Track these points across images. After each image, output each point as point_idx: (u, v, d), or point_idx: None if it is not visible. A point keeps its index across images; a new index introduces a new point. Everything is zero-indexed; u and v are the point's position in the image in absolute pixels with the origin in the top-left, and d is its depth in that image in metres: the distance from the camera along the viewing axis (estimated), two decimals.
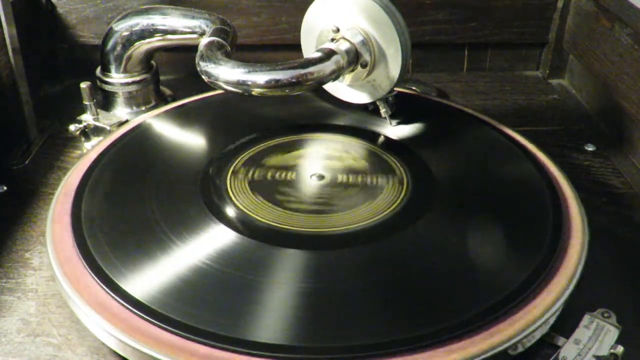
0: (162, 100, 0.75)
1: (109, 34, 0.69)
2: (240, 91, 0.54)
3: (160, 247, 0.47)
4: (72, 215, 0.51)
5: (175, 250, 0.47)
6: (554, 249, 0.47)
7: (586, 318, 0.44)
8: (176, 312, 0.42)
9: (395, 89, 0.63)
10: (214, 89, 0.58)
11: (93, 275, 0.45)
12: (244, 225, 0.50)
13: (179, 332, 0.40)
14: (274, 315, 0.42)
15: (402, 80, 0.62)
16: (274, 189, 0.55)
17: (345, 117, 0.66)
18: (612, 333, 0.43)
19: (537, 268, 0.45)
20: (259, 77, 0.53)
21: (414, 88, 0.77)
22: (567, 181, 0.56)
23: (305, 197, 0.54)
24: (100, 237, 0.48)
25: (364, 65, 0.61)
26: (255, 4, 0.82)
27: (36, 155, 0.67)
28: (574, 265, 0.46)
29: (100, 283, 0.44)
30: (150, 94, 0.73)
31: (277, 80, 0.53)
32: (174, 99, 0.74)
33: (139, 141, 0.62)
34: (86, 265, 0.46)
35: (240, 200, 0.53)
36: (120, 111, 0.72)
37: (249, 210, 0.52)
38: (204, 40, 0.58)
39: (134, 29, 0.68)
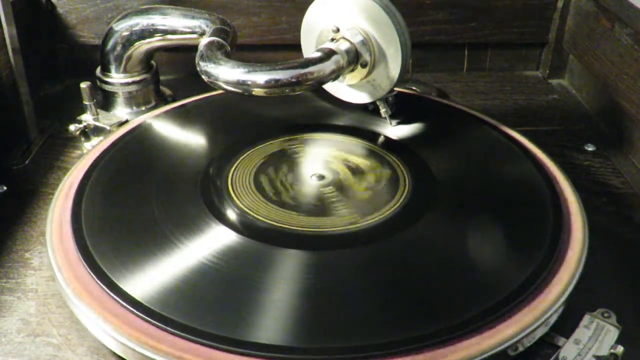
0: (162, 100, 0.75)
1: (109, 34, 0.69)
2: (240, 91, 0.54)
3: (160, 248, 0.47)
4: (72, 215, 0.51)
5: (175, 250, 0.47)
6: (554, 249, 0.47)
7: (586, 318, 0.44)
8: (176, 313, 0.42)
9: (395, 89, 0.63)
10: (214, 89, 0.58)
11: (93, 275, 0.45)
12: (244, 225, 0.50)
13: (178, 332, 0.40)
14: (274, 315, 0.42)
15: (402, 80, 0.62)
16: (274, 189, 0.55)
17: (345, 117, 0.66)
18: (612, 333, 0.43)
19: (537, 268, 0.45)
20: (259, 77, 0.53)
21: (414, 88, 0.77)
22: (567, 181, 0.56)
23: (305, 197, 0.54)
24: (100, 237, 0.48)
25: (364, 65, 0.61)
26: (255, 4, 0.82)
27: (36, 155, 0.67)
28: (574, 265, 0.46)
29: (100, 283, 0.44)
30: (150, 94, 0.73)
31: (277, 80, 0.53)
32: (174, 99, 0.74)
33: (139, 141, 0.62)
34: (86, 266, 0.46)
35: (240, 200, 0.53)
36: (120, 111, 0.72)
37: (249, 211, 0.52)
38: (204, 40, 0.58)
39: (134, 29, 0.68)
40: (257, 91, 0.53)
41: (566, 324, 0.44)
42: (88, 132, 0.66)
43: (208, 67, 0.54)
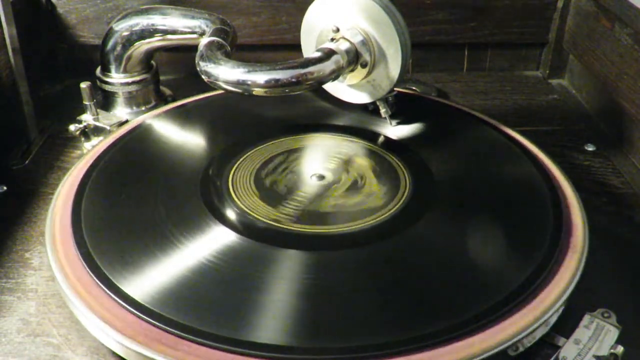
0: (162, 100, 0.75)
1: (109, 34, 0.69)
2: (240, 91, 0.54)
3: (160, 248, 0.47)
4: (72, 215, 0.51)
5: (175, 250, 0.47)
6: (554, 249, 0.47)
7: (586, 318, 0.44)
8: (176, 313, 0.42)
9: (395, 89, 0.63)
10: (214, 89, 0.58)
11: (93, 275, 0.45)
12: (244, 225, 0.50)
13: (178, 332, 0.40)
14: (273, 315, 0.42)
15: (402, 80, 0.62)
16: (274, 189, 0.55)
17: (345, 117, 0.66)
18: (612, 333, 0.43)
19: (537, 268, 0.45)
20: (259, 77, 0.53)
21: (414, 88, 0.77)
22: (567, 181, 0.56)
23: (305, 197, 0.54)
24: (100, 237, 0.48)
25: (363, 65, 0.61)
26: (255, 4, 0.82)
27: (36, 155, 0.67)
28: (574, 265, 0.46)
29: (100, 283, 0.44)
30: (150, 94, 0.73)
31: (276, 80, 0.53)
32: (174, 99, 0.74)
33: (139, 141, 0.62)
34: (86, 266, 0.46)
35: (240, 200, 0.53)
36: (120, 111, 0.72)
37: (249, 211, 0.52)
38: (204, 40, 0.58)
39: (134, 29, 0.68)
40: (257, 91, 0.53)
41: (566, 324, 0.44)
42: (88, 132, 0.65)
43: (208, 67, 0.54)
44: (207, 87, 0.56)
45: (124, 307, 0.42)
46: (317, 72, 0.56)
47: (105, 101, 0.72)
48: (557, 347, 0.42)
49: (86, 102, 0.64)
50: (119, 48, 0.69)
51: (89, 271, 0.45)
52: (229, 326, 0.41)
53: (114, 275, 0.45)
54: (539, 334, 0.42)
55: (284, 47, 0.84)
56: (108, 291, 0.43)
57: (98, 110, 0.66)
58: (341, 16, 0.61)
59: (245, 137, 0.62)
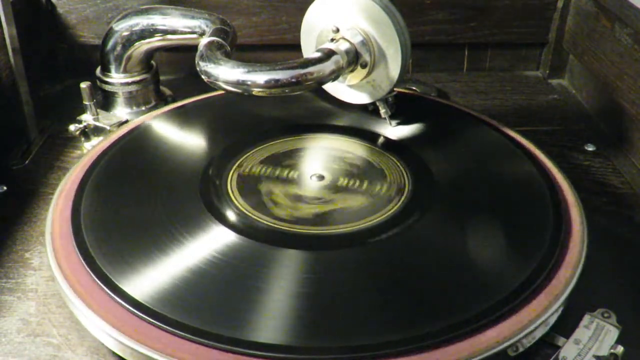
0: (162, 100, 0.75)
1: (109, 34, 0.69)
2: (240, 91, 0.54)
3: (160, 248, 0.47)
4: (71, 215, 0.51)
5: (175, 250, 0.47)
6: (553, 249, 0.47)
7: (586, 318, 0.44)
8: (175, 313, 0.42)
9: (395, 89, 0.63)
10: (214, 89, 0.58)
11: (93, 275, 0.45)
12: (243, 225, 0.50)
13: (178, 332, 0.40)
14: (273, 315, 0.42)
15: (402, 80, 0.62)
16: (274, 189, 0.55)
17: (345, 117, 0.66)
18: (612, 333, 0.43)
19: (537, 268, 0.45)
20: (259, 77, 0.53)
21: (414, 88, 0.77)
22: (567, 181, 0.56)
23: (305, 197, 0.54)
24: (100, 237, 0.48)
25: (363, 66, 0.61)
26: (255, 4, 0.82)
27: (36, 155, 0.67)
28: (574, 265, 0.46)
29: (100, 283, 0.44)
30: (150, 94, 0.73)
31: (276, 80, 0.53)
32: (174, 99, 0.74)
33: (139, 141, 0.62)
34: (86, 266, 0.46)
35: (240, 200, 0.53)
36: (120, 111, 0.72)
37: (248, 211, 0.52)
38: (204, 40, 0.58)
39: (134, 29, 0.68)
40: (257, 91, 0.53)
41: (566, 324, 0.44)
42: (88, 132, 0.66)
43: (208, 67, 0.54)
44: (207, 87, 0.56)
45: (124, 307, 0.42)
46: (317, 73, 0.56)
47: (105, 101, 0.72)
48: (557, 347, 0.42)
49: (86, 102, 0.64)
50: (119, 48, 0.69)
51: (89, 271, 0.45)
52: (229, 326, 0.41)
53: (114, 275, 0.45)
54: (538, 334, 0.42)
55: (284, 47, 0.84)
56: (108, 291, 0.43)
57: (98, 110, 0.66)
58: (341, 16, 0.61)
59: (245, 137, 0.62)
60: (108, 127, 0.65)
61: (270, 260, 0.47)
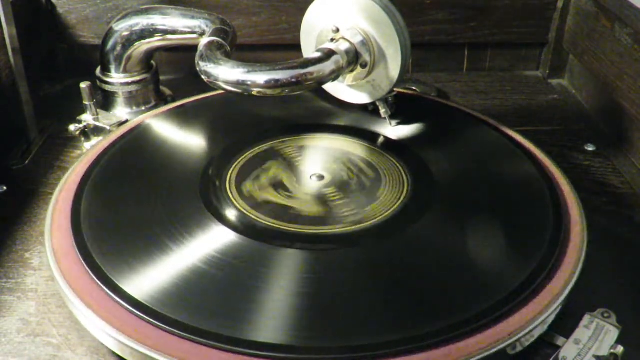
0: (162, 100, 0.75)
1: (109, 34, 0.69)
2: (240, 91, 0.54)
3: (160, 248, 0.47)
4: (71, 215, 0.51)
5: (174, 250, 0.47)
6: (553, 249, 0.47)
7: (586, 318, 0.44)
8: (175, 313, 0.42)
9: (395, 89, 0.63)
10: (214, 89, 0.58)
11: (93, 275, 0.45)
12: (243, 225, 0.50)
13: (178, 332, 0.40)
14: (273, 315, 0.42)
15: (402, 80, 0.62)
16: (274, 189, 0.55)
17: (345, 117, 0.66)
18: (612, 333, 0.43)
19: (537, 268, 0.45)
20: (259, 77, 0.53)
21: (414, 88, 0.77)
22: (567, 181, 0.56)
23: (305, 197, 0.54)
24: (99, 238, 0.48)
25: (363, 66, 0.61)
26: (255, 4, 0.82)
27: (36, 155, 0.67)
28: (573, 265, 0.46)
29: (100, 283, 0.44)
30: (150, 94, 0.73)
31: (276, 80, 0.53)
32: (174, 99, 0.74)
33: (139, 141, 0.62)
34: (85, 266, 0.46)
35: (240, 200, 0.53)
36: (120, 111, 0.72)
37: (248, 211, 0.52)
38: (204, 40, 0.58)
39: (134, 29, 0.68)
40: (257, 91, 0.53)
41: (566, 324, 0.44)
42: (88, 132, 0.66)
43: (208, 67, 0.54)
44: (207, 87, 0.56)
45: (123, 306, 0.42)
46: (317, 73, 0.56)
47: (105, 101, 0.72)
48: (557, 347, 0.42)
49: (86, 102, 0.64)
50: (119, 48, 0.69)
51: (89, 271, 0.45)
52: (229, 326, 0.41)
53: (114, 275, 0.45)
54: (537, 333, 0.42)
55: (284, 47, 0.84)
56: (108, 291, 0.43)
57: (98, 110, 0.66)
58: (341, 16, 0.61)
59: (245, 137, 0.62)
60: (108, 127, 0.65)
61: (270, 260, 0.47)
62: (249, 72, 0.53)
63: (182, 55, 0.84)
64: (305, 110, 0.68)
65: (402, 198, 0.54)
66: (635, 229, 0.57)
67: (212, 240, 0.48)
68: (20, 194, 0.61)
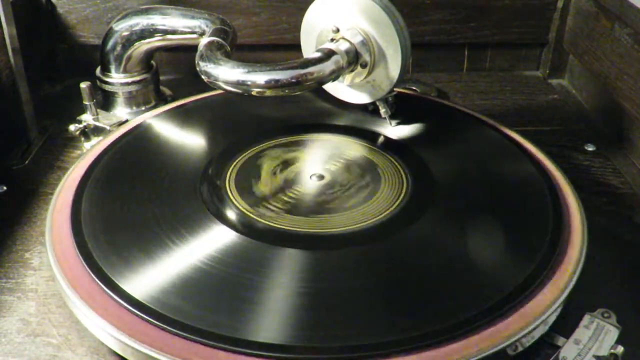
0: (162, 100, 0.75)
1: (109, 34, 0.69)
2: (240, 91, 0.54)
3: (160, 247, 0.47)
4: (71, 215, 0.51)
5: (175, 250, 0.47)
6: (553, 249, 0.47)
7: (586, 318, 0.44)
8: (175, 312, 0.42)
9: (395, 89, 0.63)
10: (214, 89, 0.58)
11: (93, 275, 0.45)
12: (243, 225, 0.50)
13: (178, 332, 0.40)
14: (273, 315, 0.42)
15: (402, 80, 0.62)
16: (274, 189, 0.55)
17: (345, 117, 0.66)
18: (612, 333, 0.43)
19: (537, 268, 0.45)
20: (259, 77, 0.53)
21: (414, 88, 0.77)
22: (567, 181, 0.56)
23: (305, 197, 0.54)
24: (100, 237, 0.48)
25: (363, 66, 0.61)
26: (255, 4, 0.82)
27: (36, 155, 0.67)
28: (573, 265, 0.46)
29: (100, 283, 0.44)
30: (150, 94, 0.73)
31: (276, 81, 0.53)
32: (174, 99, 0.74)
33: (138, 141, 0.62)
34: (86, 266, 0.46)
35: (240, 200, 0.53)
36: (120, 111, 0.72)
37: (248, 211, 0.52)
38: (204, 40, 0.58)
39: (134, 29, 0.68)
40: (257, 91, 0.53)
41: (566, 324, 0.44)
42: (88, 132, 0.66)
43: (208, 67, 0.54)
44: (207, 87, 0.56)
45: (124, 306, 0.42)
46: (317, 73, 0.56)
47: (105, 101, 0.72)
48: (557, 347, 0.42)
49: (86, 102, 0.64)
50: (119, 48, 0.69)
51: (89, 271, 0.45)
52: (229, 326, 0.41)
53: (114, 275, 0.45)
54: (538, 334, 0.42)
55: (284, 47, 0.84)
56: (108, 290, 0.43)
57: (98, 110, 0.66)
58: (341, 16, 0.61)
59: (245, 137, 0.62)
60: (108, 127, 0.65)
61: (270, 260, 0.47)
62: (249, 72, 0.53)
63: (182, 55, 0.84)
64: (305, 110, 0.68)
65: (402, 198, 0.54)
66: (635, 229, 0.57)
67: (212, 240, 0.48)
68: (20, 194, 0.61)
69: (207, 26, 0.64)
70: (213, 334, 0.40)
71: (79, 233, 0.49)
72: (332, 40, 0.60)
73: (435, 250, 0.49)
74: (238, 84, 0.53)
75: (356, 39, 0.60)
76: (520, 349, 0.41)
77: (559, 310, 0.43)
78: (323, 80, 0.57)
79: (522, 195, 0.55)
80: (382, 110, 0.64)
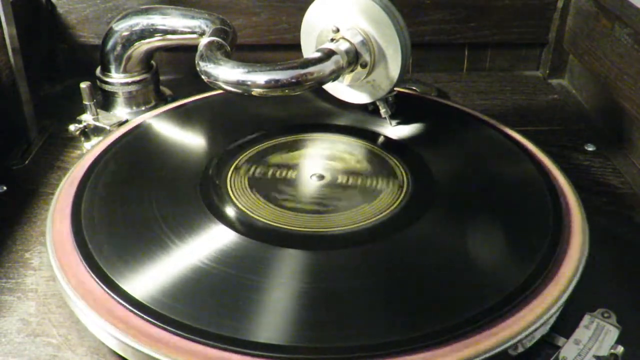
0: (162, 100, 0.75)
1: (109, 34, 0.69)
2: (240, 91, 0.54)
3: (160, 247, 0.47)
4: (72, 215, 0.51)
5: (175, 250, 0.47)
6: (554, 249, 0.47)
7: (586, 318, 0.44)
8: (176, 312, 0.42)
9: (395, 89, 0.63)
10: (214, 89, 0.58)
11: (93, 275, 0.45)
12: (243, 225, 0.50)
13: (178, 332, 0.40)
14: (273, 315, 0.42)
15: (402, 80, 0.62)
16: (274, 189, 0.55)
17: (345, 117, 0.66)
18: (612, 333, 0.43)
19: (537, 268, 0.45)
20: (259, 77, 0.53)
21: (414, 88, 0.77)
22: (567, 181, 0.56)
23: (305, 197, 0.54)
24: (100, 237, 0.48)
25: (363, 66, 0.61)
26: (255, 4, 0.82)
27: (36, 155, 0.67)
28: (574, 265, 0.46)
29: (100, 283, 0.44)
30: (150, 94, 0.73)
31: (276, 81, 0.53)
32: (174, 99, 0.74)
33: (139, 141, 0.62)
34: (86, 265, 0.46)
35: (240, 200, 0.53)
36: (120, 111, 0.72)
37: (248, 210, 0.52)
38: (204, 40, 0.58)
39: (134, 29, 0.68)
40: (257, 91, 0.53)
41: (566, 324, 0.44)
42: (88, 132, 0.66)
43: (208, 67, 0.54)
44: (207, 87, 0.56)
45: (124, 306, 0.42)
46: (317, 73, 0.56)
47: (105, 101, 0.72)
48: (557, 347, 0.42)
49: (86, 102, 0.64)
50: (119, 48, 0.69)
51: (89, 271, 0.45)
52: (229, 326, 0.41)
53: (114, 275, 0.45)
54: (539, 334, 0.42)
55: (284, 47, 0.84)
56: (108, 290, 0.43)
57: (98, 110, 0.66)
58: (341, 16, 0.61)
59: (245, 137, 0.62)
60: (108, 127, 0.65)
61: (270, 260, 0.47)
62: (249, 72, 0.53)
63: (182, 55, 0.84)
64: (305, 110, 0.68)
65: (402, 198, 0.54)
66: (635, 229, 0.57)
67: (212, 240, 0.48)
68: (20, 194, 0.61)
69: (207, 26, 0.64)
70: (213, 333, 0.40)
71: (79, 233, 0.49)
72: (332, 40, 0.60)
73: (435, 250, 0.49)
74: (238, 84, 0.53)
75: (356, 39, 0.60)
76: (521, 349, 0.41)
77: (560, 310, 0.43)
78: (323, 80, 0.57)
79: (522, 195, 0.55)
80: (382, 110, 0.64)
